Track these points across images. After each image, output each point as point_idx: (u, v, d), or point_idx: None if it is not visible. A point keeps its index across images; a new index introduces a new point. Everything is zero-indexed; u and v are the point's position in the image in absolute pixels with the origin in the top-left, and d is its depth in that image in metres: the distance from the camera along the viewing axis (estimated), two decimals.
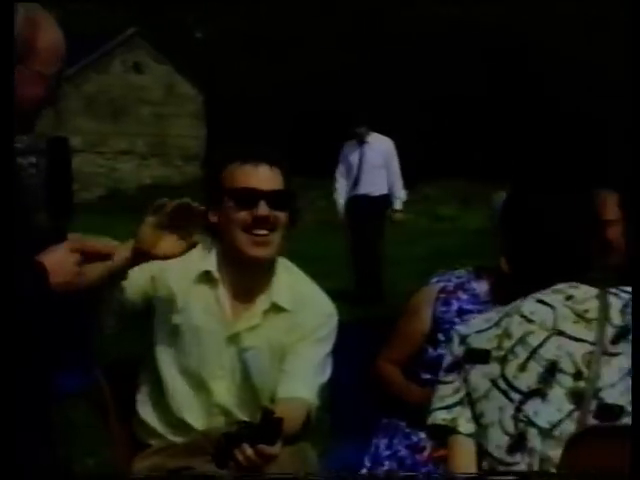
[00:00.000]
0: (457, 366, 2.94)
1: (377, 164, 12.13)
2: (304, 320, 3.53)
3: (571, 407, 2.79)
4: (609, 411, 2.78)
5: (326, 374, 3.56)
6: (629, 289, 2.96)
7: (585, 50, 32.60)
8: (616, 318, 2.89)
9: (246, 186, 3.45)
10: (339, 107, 31.80)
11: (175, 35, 36.84)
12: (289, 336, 3.51)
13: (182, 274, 3.43)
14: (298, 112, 32.34)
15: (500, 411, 2.84)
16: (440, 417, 2.92)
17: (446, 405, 2.92)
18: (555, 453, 2.74)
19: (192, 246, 3.16)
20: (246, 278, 3.51)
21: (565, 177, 3.20)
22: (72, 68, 30.65)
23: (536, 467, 2.76)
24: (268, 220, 3.44)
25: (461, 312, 3.88)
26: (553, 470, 2.74)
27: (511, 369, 2.86)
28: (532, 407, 2.81)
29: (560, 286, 2.94)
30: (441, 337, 3.87)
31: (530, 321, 2.91)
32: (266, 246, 3.46)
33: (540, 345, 2.87)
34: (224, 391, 3.49)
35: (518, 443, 2.80)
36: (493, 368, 2.88)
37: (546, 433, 2.78)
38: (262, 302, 3.51)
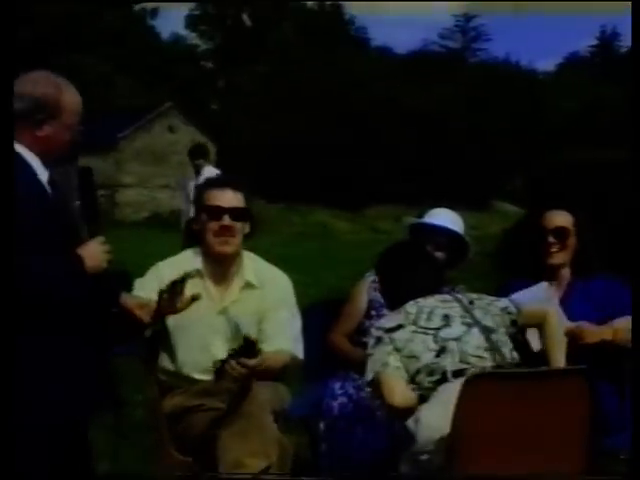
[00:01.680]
0: (378, 340, 3.11)
1: None
2: (270, 293, 3.52)
3: (465, 328, 3.06)
4: (487, 328, 3.06)
5: (296, 327, 3.58)
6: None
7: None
8: (464, 298, 3.18)
9: (215, 204, 3.45)
10: (308, 153, 31.83)
11: (197, 107, 36.75)
12: (261, 305, 3.49)
13: (178, 275, 3.34)
14: (283, 158, 32.27)
15: (423, 342, 3.05)
16: (377, 366, 3.04)
17: (379, 359, 3.04)
18: (467, 348, 3.01)
19: (192, 300, 3.24)
20: (223, 269, 3.50)
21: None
22: (127, 130, 30.51)
23: (457, 359, 2.99)
24: (229, 229, 3.44)
25: None
26: (468, 361, 2.98)
27: (422, 322, 3.09)
28: (444, 333, 3.06)
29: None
30: (373, 313, 3.89)
31: (417, 304, 3.15)
32: (228, 245, 3.45)
33: (431, 310, 3.14)
34: (222, 348, 3.42)
35: (442, 351, 3.02)
36: (409, 327, 3.09)
37: (458, 339, 3.03)
38: (238, 282, 3.51)
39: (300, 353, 3.59)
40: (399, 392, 2.97)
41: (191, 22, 47.42)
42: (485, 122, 34.43)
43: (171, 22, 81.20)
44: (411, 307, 3.14)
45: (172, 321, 3.43)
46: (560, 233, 3.71)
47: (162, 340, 3.49)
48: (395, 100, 33.64)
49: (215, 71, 45.32)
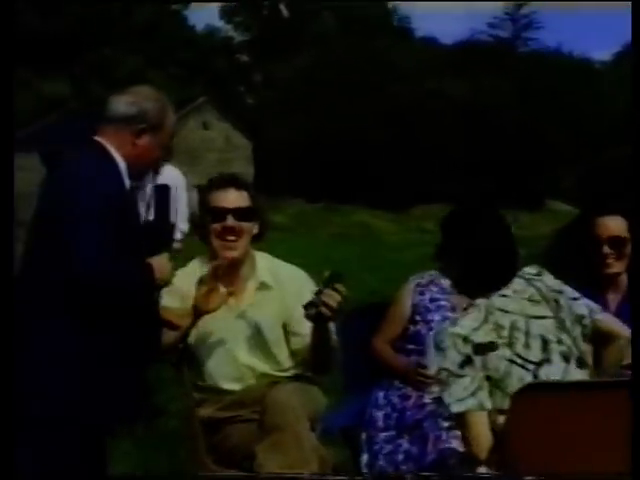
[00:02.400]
0: (468, 361, 2.82)
1: None
2: (290, 292, 3.50)
3: (564, 365, 2.85)
4: (584, 362, 2.88)
5: None
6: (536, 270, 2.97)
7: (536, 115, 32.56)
8: (551, 297, 2.94)
9: (217, 205, 3.44)
10: (349, 150, 31.82)
11: (232, 102, 36.95)
12: (283, 305, 3.48)
13: (193, 282, 3.39)
14: (323, 154, 32.32)
15: (520, 381, 2.79)
16: (470, 403, 2.81)
17: (471, 392, 2.82)
18: None
19: (228, 296, 3.35)
20: (234, 272, 3.48)
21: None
22: None
23: None
24: (234, 229, 3.43)
25: (432, 300, 3.88)
26: None
27: (519, 348, 2.84)
28: (544, 372, 2.83)
29: (510, 284, 2.92)
30: (418, 318, 3.86)
31: (507, 312, 2.89)
32: (233, 250, 3.44)
33: (527, 329, 2.88)
34: (246, 354, 3.45)
35: None
36: (504, 352, 2.82)
37: None
38: (252, 284, 3.50)
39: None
40: (486, 443, 2.78)
41: (226, 13, 47.72)
42: (538, 116, 34.15)
43: (205, 14, 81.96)
44: (502, 317, 2.86)
45: (192, 335, 3.44)
46: (616, 242, 3.66)
47: (186, 355, 3.49)
48: (441, 93, 33.52)
49: (251, 64, 45.52)
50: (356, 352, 3.92)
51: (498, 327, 2.85)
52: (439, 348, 2.90)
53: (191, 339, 3.45)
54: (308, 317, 3.20)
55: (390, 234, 24.36)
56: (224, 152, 33.23)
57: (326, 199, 28.25)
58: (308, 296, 3.39)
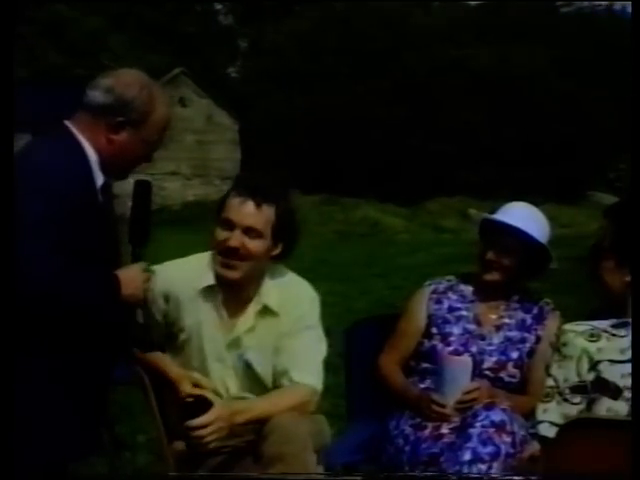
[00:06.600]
0: (583, 389, 2.71)
1: None
2: (287, 315, 3.50)
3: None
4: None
5: (322, 353, 3.53)
6: None
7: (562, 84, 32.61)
8: None
9: (227, 217, 3.42)
10: (353, 132, 31.86)
11: (213, 73, 36.96)
12: (278, 331, 3.48)
13: (188, 287, 3.45)
14: (319, 138, 32.34)
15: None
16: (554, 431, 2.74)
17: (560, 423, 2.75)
18: None
19: None
20: (237, 287, 3.48)
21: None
22: None
23: None
24: (237, 251, 3.40)
25: (451, 309, 3.92)
26: None
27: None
28: None
29: None
30: (435, 330, 3.89)
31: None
32: (233, 270, 3.42)
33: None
34: (237, 388, 3.48)
35: None
36: (620, 406, 2.66)
37: None
38: (254, 305, 3.49)
39: (319, 385, 3.53)
40: None
41: None
42: (580, 90, 34.18)
43: None
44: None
45: (172, 345, 3.50)
46: None
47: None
48: (463, 64, 33.55)
49: (236, 28, 45.48)
50: (362, 372, 3.95)
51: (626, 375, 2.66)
52: (562, 353, 2.77)
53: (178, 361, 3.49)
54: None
55: (401, 232, 24.37)
56: (204, 133, 33.20)
57: (326, 190, 28.25)
58: (306, 319, 3.48)
